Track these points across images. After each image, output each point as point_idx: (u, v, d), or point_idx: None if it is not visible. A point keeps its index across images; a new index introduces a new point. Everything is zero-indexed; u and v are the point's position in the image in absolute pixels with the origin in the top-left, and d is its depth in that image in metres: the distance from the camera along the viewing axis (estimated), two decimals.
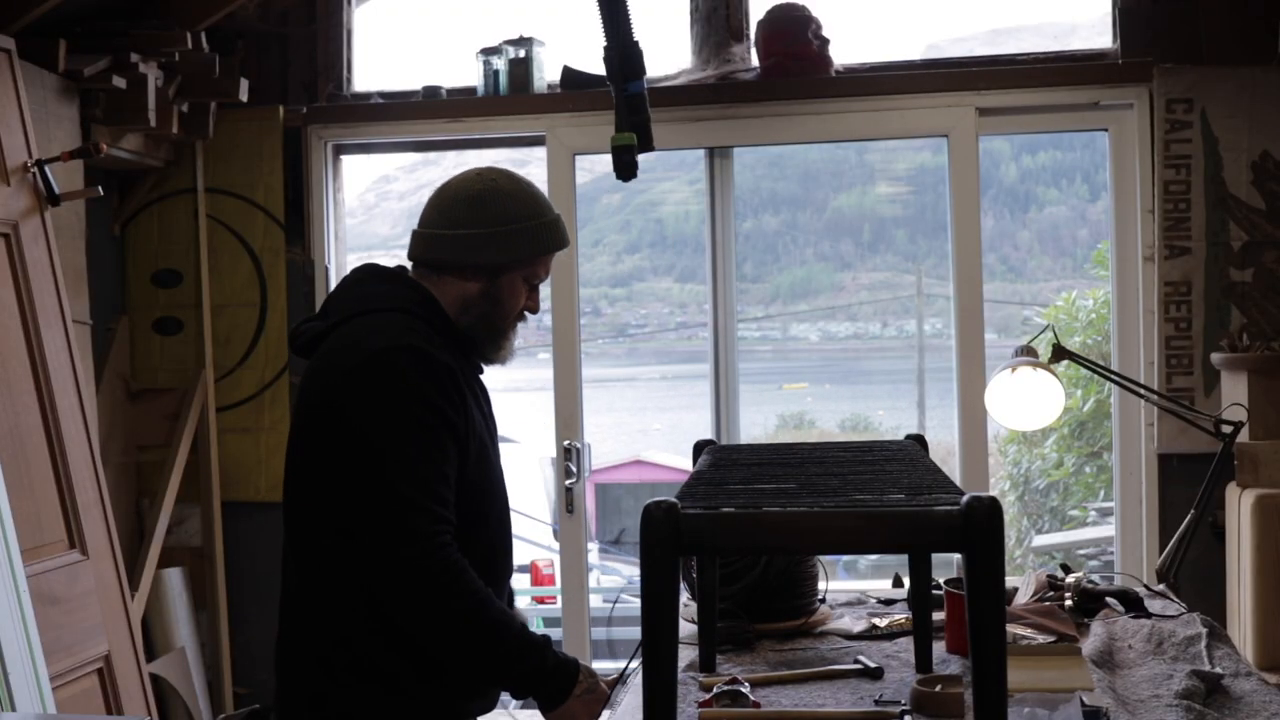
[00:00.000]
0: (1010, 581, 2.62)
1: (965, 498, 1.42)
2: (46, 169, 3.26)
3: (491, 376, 2.21)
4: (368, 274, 2.13)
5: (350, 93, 4.31)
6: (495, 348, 2.13)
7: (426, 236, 2.09)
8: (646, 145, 3.62)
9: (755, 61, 4.11)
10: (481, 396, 2.13)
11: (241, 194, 4.25)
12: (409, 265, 2.16)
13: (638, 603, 1.50)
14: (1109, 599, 2.60)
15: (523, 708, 4.08)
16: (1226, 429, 3.18)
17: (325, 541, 1.98)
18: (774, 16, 4.04)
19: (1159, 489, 3.91)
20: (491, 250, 2.06)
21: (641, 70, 3.60)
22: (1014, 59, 4.09)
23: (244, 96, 4.03)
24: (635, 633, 1.59)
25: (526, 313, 2.15)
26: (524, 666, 1.98)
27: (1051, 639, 2.32)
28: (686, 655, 2.25)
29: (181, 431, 4.13)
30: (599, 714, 2.03)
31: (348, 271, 2.20)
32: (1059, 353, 3.17)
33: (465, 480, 2.00)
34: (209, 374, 4.22)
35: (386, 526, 1.90)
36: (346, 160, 4.42)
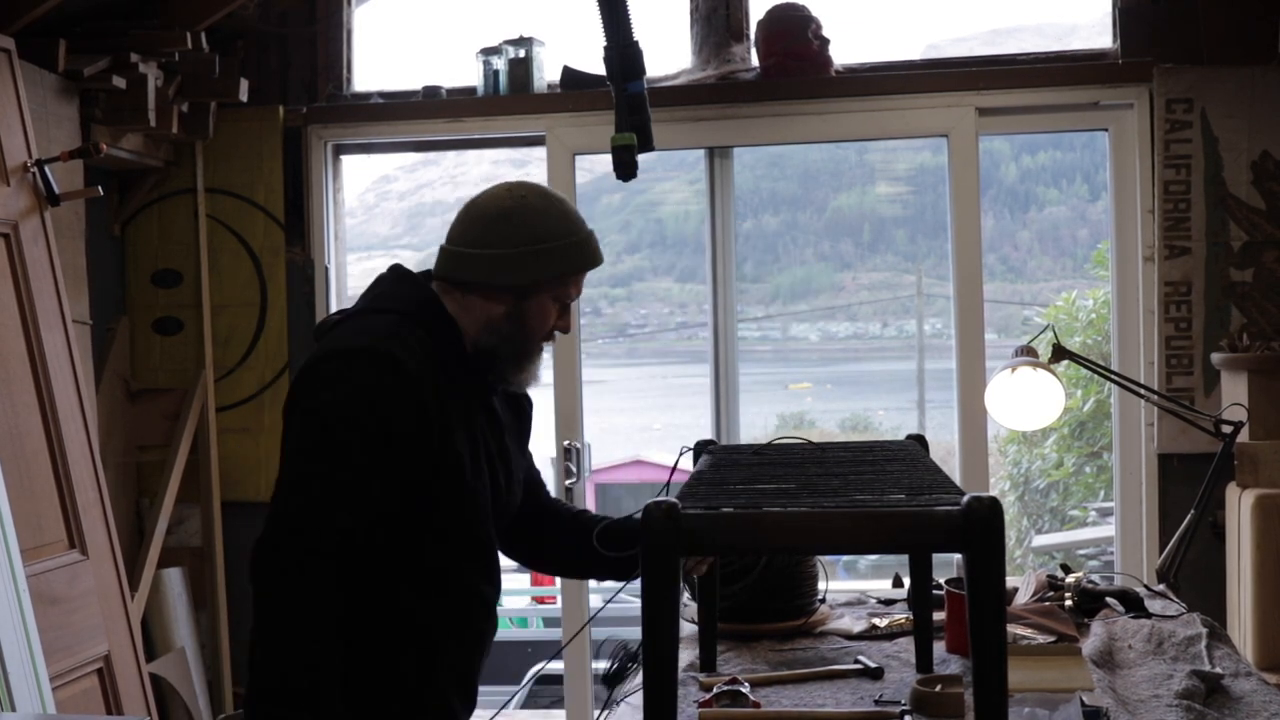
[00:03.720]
0: (1010, 581, 2.62)
1: (965, 498, 1.42)
2: (46, 169, 3.25)
3: None
4: (394, 274, 2.06)
5: (350, 93, 4.31)
6: (518, 369, 2.02)
7: (452, 254, 1.99)
8: (646, 145, 3.62)
9: (755, 61, 4.11)
10: (484, 417, 2.02)
11: (241, 194, 4.25)
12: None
13: (638, 603, 1.50)
14: (1109, 599, 2.60)
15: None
16: (1226, 429, 3.18)
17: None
18: (774, 16, 4.04)
19: (1159, 489, 3.91)
20: (520, 270, 1.95)
21: (641, 70, 3.60)
22: (1014, 59, 4.08)
23: (244, 96, 4.03)
24: (635, 633, 1.59)
25: (557, 332, 2.04)
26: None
27: (1051, 639, 2.32)
28: (686, 655, 2.26)
29: (181, 431, 4.13)
30: None
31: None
32: (1059, 353, 3.17)
33: (432, 501, 1.91)
34: (209, 374, 4.22)
35: (271, 534, 1.82)
36: (346, 160, 4.42)
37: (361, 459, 1.84)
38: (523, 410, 2.18)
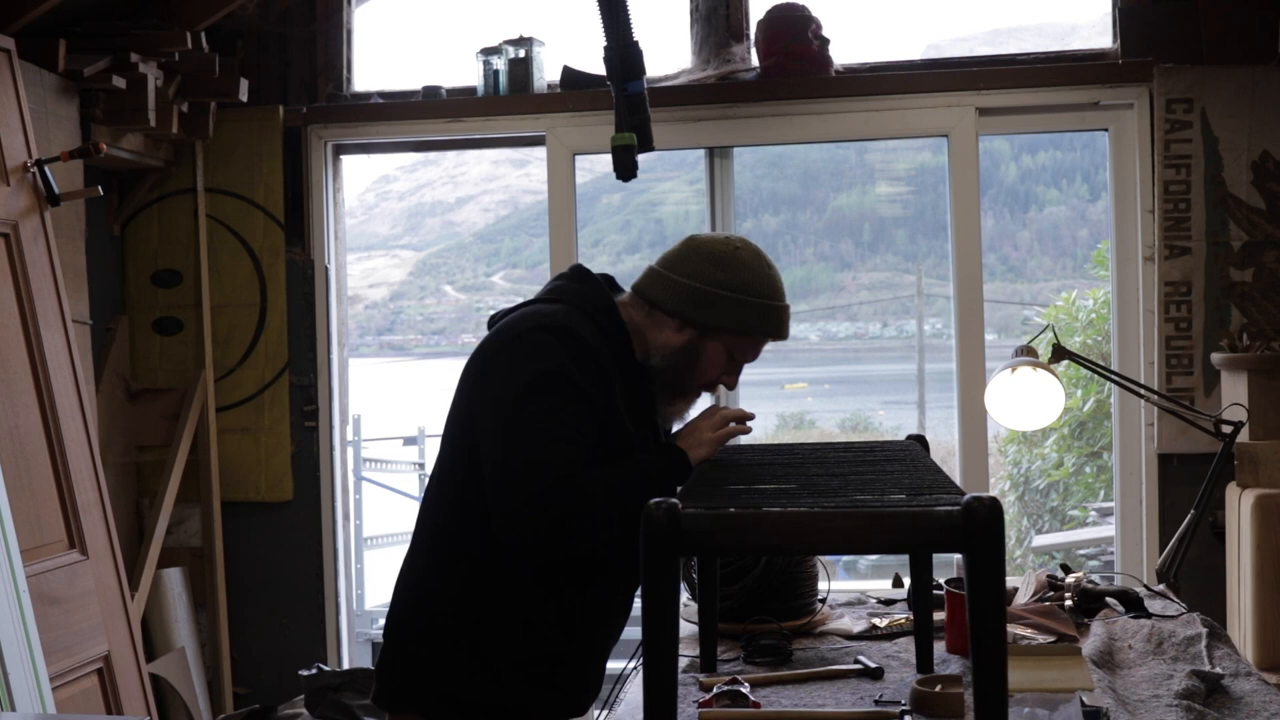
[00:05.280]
0: (1010, 581, 2.62)
1: (966, 498, 1.42)
2: (46, 169, 3.25)
3: None
4: (573, 273, 2.16)
5: (350, 93, 4.31)
6: (672, 402, 2.11)
7: (659, 275, 2.09)
8: (646, 145, 3.62)
9: (755, 61, 4.11)
10: (638, 403, 2.09)
11: (241, 194, 4.25)
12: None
13: (637, 603, 1.50)
14: (1109, 599, 2.60)
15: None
16: (1226, 429, 3.18)
17: (469, 520, 2.00)
18: (774, 16, 4.04)
19: (1159, 489, 3.91)
20: (715, 310, 2.04)
21: (641, 70, 3.60)
22: (1014, 59, 4.08)
23: (244, 96, 4.03)
24: (635, 633, 1.59)
25: (721, 385, 2.14)
26: (660, 480, 1.96)
27: (1051, 639, 2.32)
28: (686, 655, 2.26)
29: (181, 431, 4.13)
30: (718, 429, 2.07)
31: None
32: (1059, 353, 3.17)
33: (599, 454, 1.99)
34: (209, 374, 4.22)
35: (513, 491, 1.90)
36: (346, 160, 4.42)
37: (570, 407, 1.94)
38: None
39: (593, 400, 1.97)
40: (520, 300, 2.18)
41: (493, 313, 2.21)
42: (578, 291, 2.10)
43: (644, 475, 1.97)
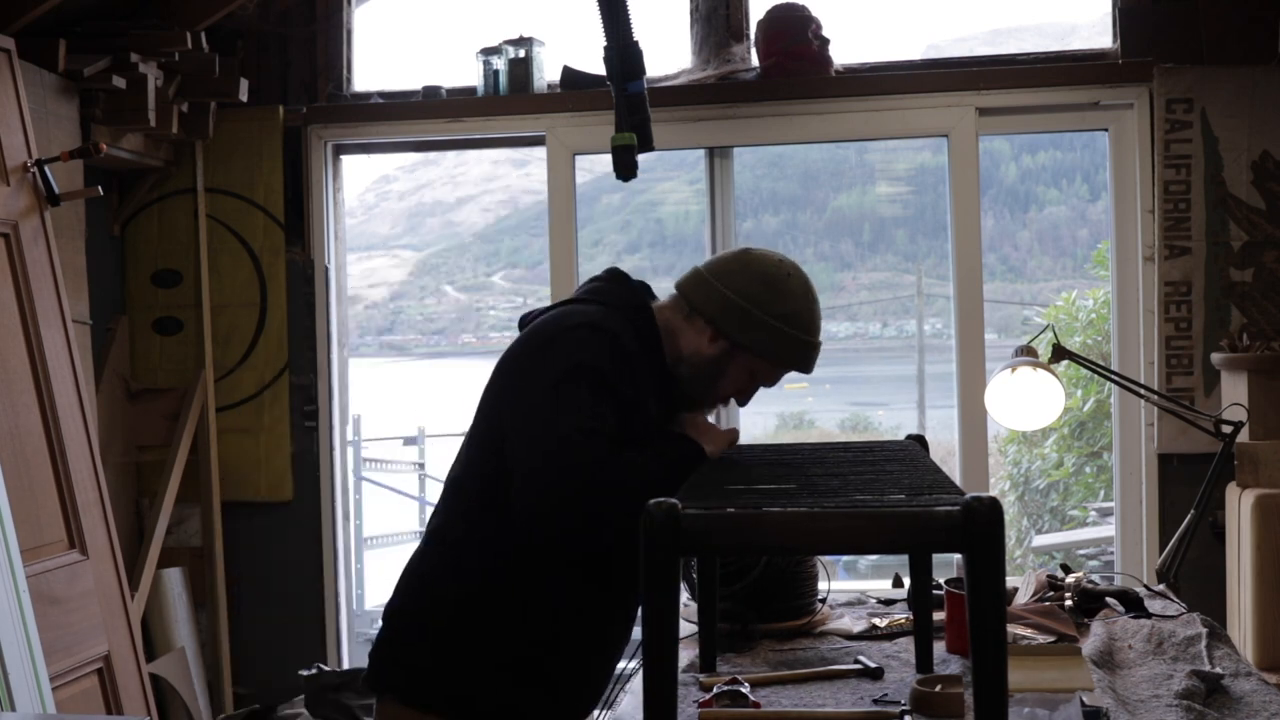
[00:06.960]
0: (1010, 581, 2.62)
1: (966, 498, 1.42)
2: (46, 169, 3.25)
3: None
4: (608, 275, 2.18)
5: (350, 93, 4.31)
6: (687, 408, 2.12)
7: (705, 281, 2.10)
8: (646, 145, 3.62)
9: (755, 61, 4.11)
10: (661, 409, 2.09)
11: (241, 194, 4.25)
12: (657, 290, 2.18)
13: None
14: (1109, 599, 2.60)
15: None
16: (1226, 429, 3.18)
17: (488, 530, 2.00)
18: (774, 16, 4.04)
19: (1159, 489, 3.91)
20: (751, 331, 2.05)
21: (641, 70, 3.60)
22: (1014, 59, 4.09)
23: (244, 96, 4.03)
24: (635, 632, 1.59)
25: (734, 399, 2.14)
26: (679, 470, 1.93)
27: (1051, 639, 2.32)
28: (686, 655, 2.26)
29: (181, 431, 4.13)
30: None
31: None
32: (1059, 353, 3.17)
33: None
34: (209, 374, 4.22)
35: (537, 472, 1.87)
36: (346, 160, 4.42)
37: (602, 401, 1.92)
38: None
39: (624, 400, 1.96)
40: (549, 303, 2.17)
41: (524, 313, 2.22)
42: (614, 293, 2.11)
43: (665, 463, 1.95)
